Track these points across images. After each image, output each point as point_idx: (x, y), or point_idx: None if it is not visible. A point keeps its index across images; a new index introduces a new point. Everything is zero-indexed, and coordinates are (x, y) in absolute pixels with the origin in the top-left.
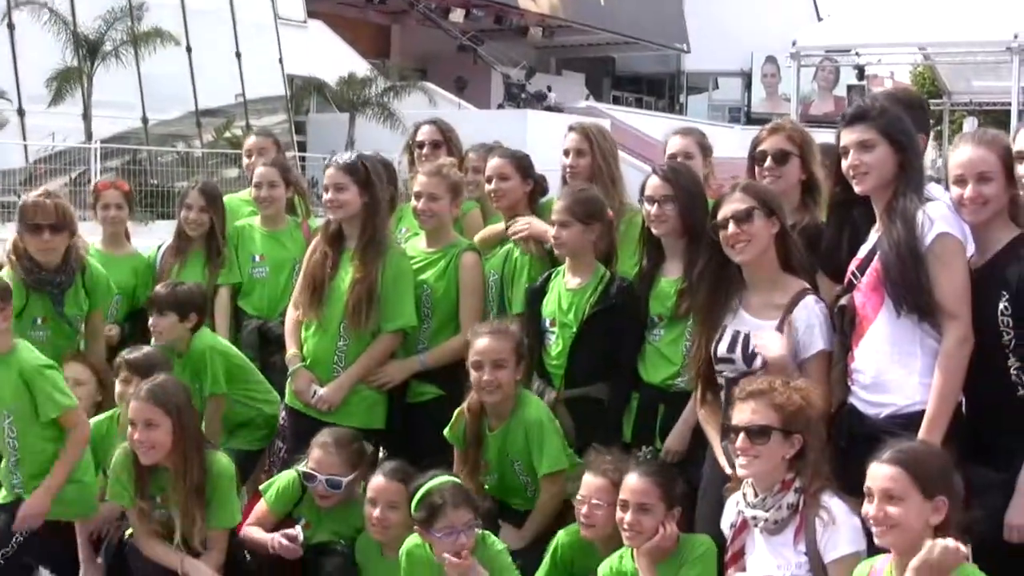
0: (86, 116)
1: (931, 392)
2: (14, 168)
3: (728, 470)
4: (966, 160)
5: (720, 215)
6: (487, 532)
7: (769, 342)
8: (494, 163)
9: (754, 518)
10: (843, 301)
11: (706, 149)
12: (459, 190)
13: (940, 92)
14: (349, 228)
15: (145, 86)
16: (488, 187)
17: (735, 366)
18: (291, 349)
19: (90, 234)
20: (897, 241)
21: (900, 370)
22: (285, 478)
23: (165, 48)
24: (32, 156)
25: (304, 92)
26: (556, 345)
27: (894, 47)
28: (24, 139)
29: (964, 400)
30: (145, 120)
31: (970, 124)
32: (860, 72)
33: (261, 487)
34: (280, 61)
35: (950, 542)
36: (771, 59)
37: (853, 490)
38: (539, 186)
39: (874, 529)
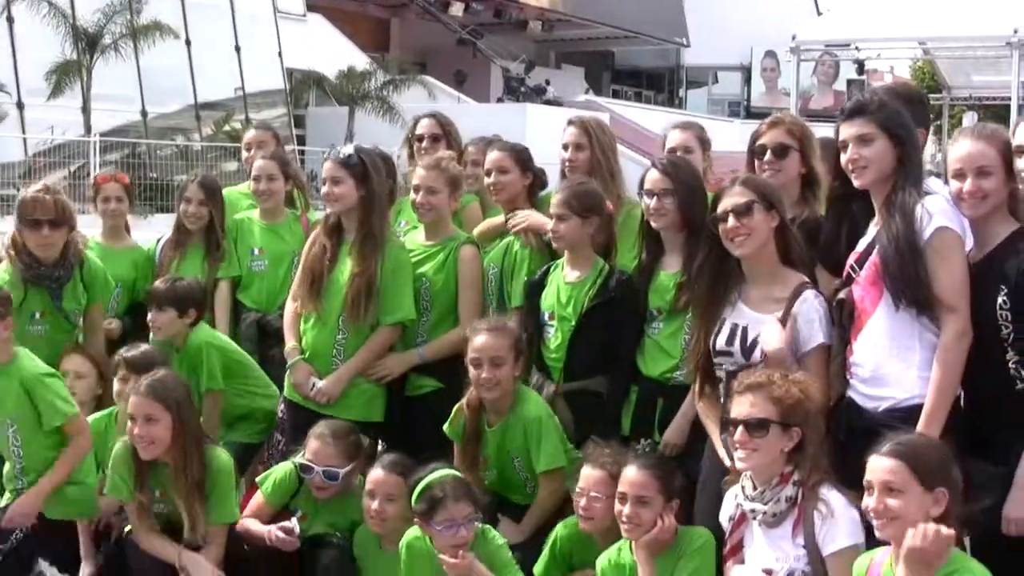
0: (85, 109)
1: (929, 386)
2: (13, 161)
3: (727, 463)
4: (965, 154)
5: (720, 208)
6: (487, 526)
7: (769, 335)
8: (493, 156)
9: (752, 511)
10: (842, 295)
11: (705, 143)
12: (458, 183)
13: (940, 87)
14: (348, 221)
15: (144, 79)
16: (487, 180)
17: (734, 359)
18: (290, 342)
19: (89, 227)
20: (896, 235)
21: (899, 364)
22: (282, 470)
23: (164, 41)
24: (31, 149)
25: (303, 86)
26: (555, 338)
27: (894, 41)
28: (23, 132)
29: (963, 394)
30: (144, 113)
31: (970, 119)
32: (860, 66)
33: (258, 479)
34: (279, 55)
35: (939, 527)
36: (771, 53)
37: (852, 483)
38: (538, 179)
39: (874, 522)
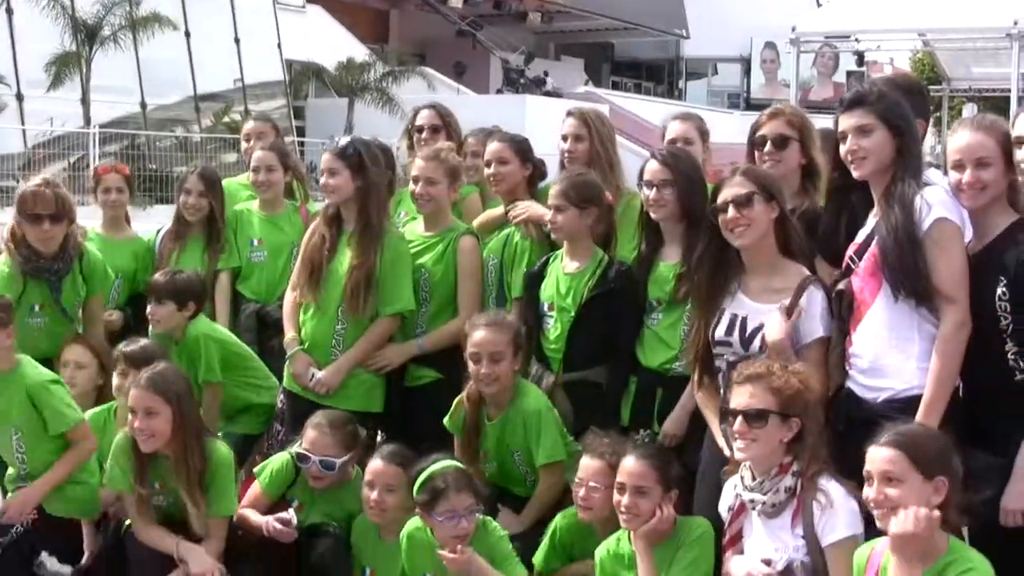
0: (84, 101)
1: (928, 376)
2: (12, 153)
3: (726, 453)
4: (964, 145)
5: (720, 199)
6: (488, 518)
7: (771, 325)
8: (493, 147)
9: (752, 501)
10: (841, 286)
11: (704, 134)
12: (457, 174)
13: (939, 78)
14: (346, 212)
15: (144, 71)
16: (487, 171)
17: (732, 349)
18: (289, 333)
19: (89, 218)
20: (895, 226)
21: (898, 355)
22: (279, 460)
23: (163, 33)
24: (31, 141)
25: (303, 77)
26: (554, 329)
27: (893, 33)
28: (22, 124)
29: (961, 385)
30: (143, 105)
31: (969, 110)
32: (859, 58)
33: (255, 469)
34: (279, 46)
35: (927, 510)
36: (770, 45)
37: (851, 474)
38: (538, 170)
39: (875, 512)
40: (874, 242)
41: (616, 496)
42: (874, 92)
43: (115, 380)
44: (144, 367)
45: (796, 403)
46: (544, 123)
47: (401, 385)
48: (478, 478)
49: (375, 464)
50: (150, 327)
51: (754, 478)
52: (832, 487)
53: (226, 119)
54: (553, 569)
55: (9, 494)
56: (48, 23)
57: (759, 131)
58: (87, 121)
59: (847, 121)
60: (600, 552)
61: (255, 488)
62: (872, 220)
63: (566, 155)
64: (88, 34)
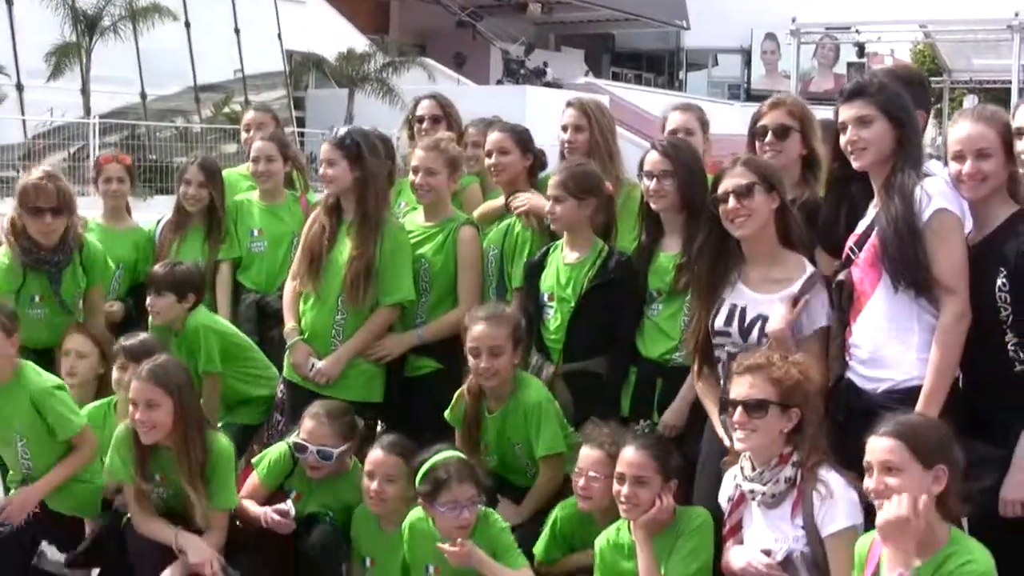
0: (84, 91)
1: (928, 367)
2: (12, 143)
3: (726, 443)
4: (965, 136)
5: (721, 189)
6: (490, 510)
7: (774, 315)
8: (494, 137)
9: (752, 492)
10: (841, 276)
11: (705, 125)
12: (457, 164)
13: (940, 70)
14: (346, 202)
15: (143, 61)
16: (488, 161)
17: (731, 339)
18: (289, 323)
19: (89, 208)
20: (895, 217)
21: (897, 345)
22: (276, 451)
23: (163, 23)
24: (31, 131)
25: (303, 68)
26: (554, 319)
27: (894, 24)
28: (23, 114)
29: (961, 375)
30: (144, 95)
31: (970, 102)
32: (860, 49)
33: (253, 460)
34: (279, 37)
35: (919, 496)
36: (771, 36)
37: (851, 465)
38: (538, 160)
39: (875, 502)
40: (874, 233)
41: (616, 486)
42: (874, 83)
43: (114, 374)
44: (144, 360)
45: (796, 393)
46: (544, 114)
47: (401, 375)
48: (480, 469)
49: (375, 454)
50: (150, 318)
51: (754, 468)
52: (832, 478)
53: (226, 110)
54: (554, 560)
55: (12, 491)
56: (48, 13)
57: (760, 121)
58: (87, 111)
59: (847, 112)
60: (600, 542)
61: (253, 479)
62: (872, 211)
63: (566, 145)
64: (88, 24)
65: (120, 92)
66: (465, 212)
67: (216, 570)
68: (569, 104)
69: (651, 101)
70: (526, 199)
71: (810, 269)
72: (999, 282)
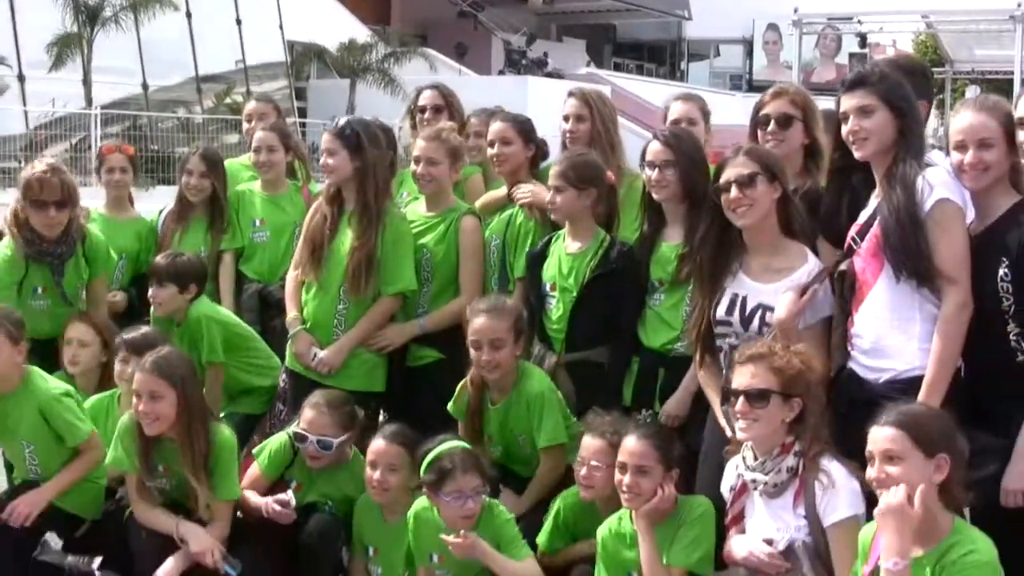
0: (86, 82)
1: (930, 357)
2: (14, 134)
3: (728, 433)
4: (967, 126)
5: (723, 179)
6: (495, 501)
7: (780, 305)
8: (496, 127)
9: (753, 481)
10: (843, 266)
11: (707, 115)
12: (458, 154)
13: (942, 60)
14: (347, 192)
15: (145, 52)
16: (490, 151)
17: (733, 328)
18: (291, 312)
19: (91, 199)
20: (897, 207)
21: (899, 335)
22: (277, 441)
23: (165, 14)
24: (32, 122)
25: (304, 58)
26: (556, 309)
27: (896, 15)
28: (24, 105)
29: (963, 366)
30: (145, 86)
31: (972, 92)
32: (862, 40)
33: (254, 450)
34: (280, 27)
35: (918, 486)
36: (773, 26)
37: (852, 455)
38: (540, 151)
39: (877, 491)
40: (876, 223)
41: (617, 475)
42: (876, 73)
43: (116, 367)
44: (146, 353)
45: (798, 383)
46: (546, 104)
47: (403, 365)
48: (484, 459)
49: (377, 444)
50: (151, 309)
51: (756, 458)
52: (834, 467)
53: (228, 100)
54: (556, 550)
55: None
56: (49, 3)
57: (763, 110)
58: (89, 102)
59: (848, 102)
60: (602, 531)
61: (254, 469)
62: (874, 201)
63: (568, 135)
64: (89, 15)
65: (122, 83)
66: (467, 202)
67: (217, 559)
68: (571, 94)
69: (653, 91)
70: (529, 191)
71: (812, 258)
72: (1001, 272)
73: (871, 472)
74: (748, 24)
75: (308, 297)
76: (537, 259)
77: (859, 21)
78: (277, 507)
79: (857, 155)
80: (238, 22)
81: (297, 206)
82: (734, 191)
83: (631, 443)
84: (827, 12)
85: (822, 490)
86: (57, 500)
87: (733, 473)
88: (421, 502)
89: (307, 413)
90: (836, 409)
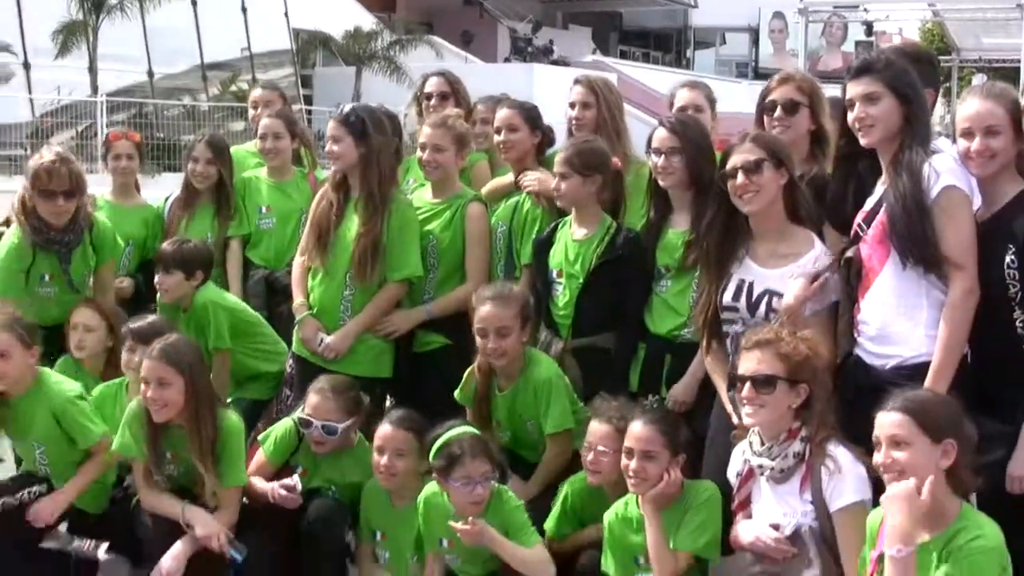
0: (92, 69)
1: (937, 343)
2: (21, 122)
3: (735, 419)
4: (973, 113)
5: (729, 165)
6: (504, 487)
7: (788, 291)
8: (503, 114)
9: (760, 467)
10: (849, 253)
11: (713, 102)
12: (464, 141)
13: (949, 49)
14: (353, 179)
15: (151, 39)
16: (497, 138)
17: (739, 314)
18: (298, 298)
19: (98, 186)
20: (903, 194)
21: (906, 322)
22: (282, 427)
23: (170, 1)
24: (38, 109)
25: (310, 46)
26: (563, 296)
27: (903, 3)
28: (30, 92)
29: (969, 352)
30: (151, 74)
31: (979, 81)
32: (868, 28)
33: (260, 436)
34: (286, 15)
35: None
36: (779, 14)
37: (859, 441)
38: (547, 137)
39: (884, 476)
40: (882, 210)
41: (624, 460)
42: (881, 60)
43: (123, 356)
44: (153, 341)
45: (804, 369)
46: (552, 92)
47: (410, 351)
48: (493, 445)
49: (385, 429)
50: (158, 295)
51: (763, 443)
52: (840, 453)
53: (233, 88)
54: (564, 535)
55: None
56: None
57: (769, 96)
58: (94, 90)
59: (854, 89)
60: (609, 516)
61: (260, 455)
62: (880, 188)
63: (573, 123)
64: (95, 2)
65: (127, 70)
66: (473, 189)
67: (223, 543)
68: (577, 81)
69: (659, 79)
70: (535, 179)
71: (818, 244)
72: (1008, 259)
73: (878, 457)
74: (754, 12)
75: (314, 283)
76: (543, 246)
77: (865, 9)
78: (283, 492)
79: (863, 142)
80: (243, 10)
81: (303, 193)
82: (740, 177)
83: (637, 428)
84: (833, 0)
85: (828, 475)
86: None
87: (739, 458)
88: (431, 487)
89: (312, 398)
90: (842, 396)
